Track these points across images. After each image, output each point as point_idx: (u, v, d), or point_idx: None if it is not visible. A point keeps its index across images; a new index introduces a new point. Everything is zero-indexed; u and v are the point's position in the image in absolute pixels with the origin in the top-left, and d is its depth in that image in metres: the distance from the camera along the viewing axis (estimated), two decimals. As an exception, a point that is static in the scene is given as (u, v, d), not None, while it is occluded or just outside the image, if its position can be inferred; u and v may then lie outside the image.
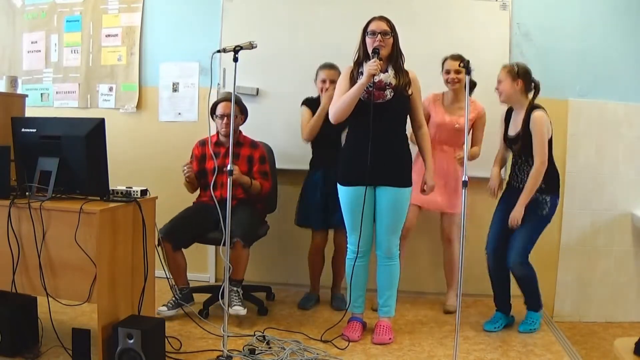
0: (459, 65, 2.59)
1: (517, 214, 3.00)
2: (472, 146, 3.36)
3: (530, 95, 3.06)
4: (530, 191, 2.99)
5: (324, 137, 3.33)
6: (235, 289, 3.07)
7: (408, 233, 3.39)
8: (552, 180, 3.04)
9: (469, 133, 3.03)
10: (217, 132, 3.36)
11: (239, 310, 3.00)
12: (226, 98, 3.26)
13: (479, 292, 3.57)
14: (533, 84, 3.05)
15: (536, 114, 2.95)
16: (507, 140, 3.15)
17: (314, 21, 3.73)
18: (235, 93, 3.37)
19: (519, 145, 3.05)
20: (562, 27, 3.50)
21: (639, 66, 3.64)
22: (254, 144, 3.38)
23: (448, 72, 3.31)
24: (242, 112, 3.34)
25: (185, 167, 3.24)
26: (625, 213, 3.69)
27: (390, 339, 2.92)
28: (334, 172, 3.04)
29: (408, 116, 2.92)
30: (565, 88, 3.49)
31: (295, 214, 3.52)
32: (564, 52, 3.47)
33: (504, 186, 3.26)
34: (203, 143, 3.39)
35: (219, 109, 3.26)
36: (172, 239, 3.08)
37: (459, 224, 3.35)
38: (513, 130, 3.10)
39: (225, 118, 3.24)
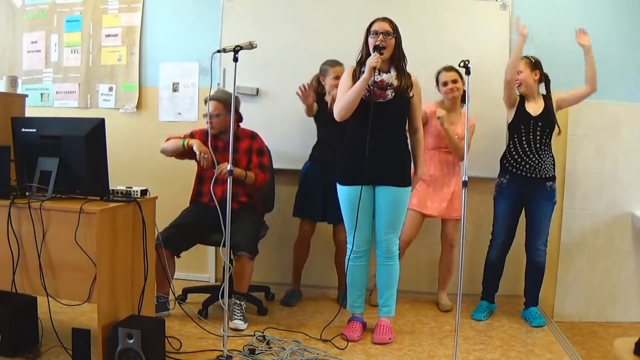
0: (459, 65, 2.60)
1: None
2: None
3: (542, 87, 3.29)
4: None
5: (329, 132, 3.34)
6: (238, 302, 3.02)
7: (407, 246, 3.43)
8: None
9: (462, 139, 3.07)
10: None
11: (239, 324, 2.98)
12: (213, 97, 3.15)
13: (479, 292, 3.57)
14: (544, 76, 3.29)
15: None
16: (532, 120, 3.22)
17: (314, 21, 3.73)
18: (224, 91, 3.37)
19: (544, 125, 3.21)
20: (562, 27, 3.49)
21: (639, 66, 3.64)
22: (252, 135, 3.30)
23: (445, 83, 3.33)
24: (229, 111, 3.06)
25: (202, 157, 3.06)
26: (625, 213, 3.69)
27: (390, 338, 2.92)
28: (332, 167, 3.05)
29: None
30: (565, 88, 3.48)
31: (294, 206, 3.52)
32: (564, 52, 3.46)
33: (504, 179, 3.30)
34: (205, 134, 3.17)
35: (208, 107, 3.08)
36: (172, 246, 3.04)
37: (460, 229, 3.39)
38: (535, 112, 3.24)
39: (212, 118, 3.11)
